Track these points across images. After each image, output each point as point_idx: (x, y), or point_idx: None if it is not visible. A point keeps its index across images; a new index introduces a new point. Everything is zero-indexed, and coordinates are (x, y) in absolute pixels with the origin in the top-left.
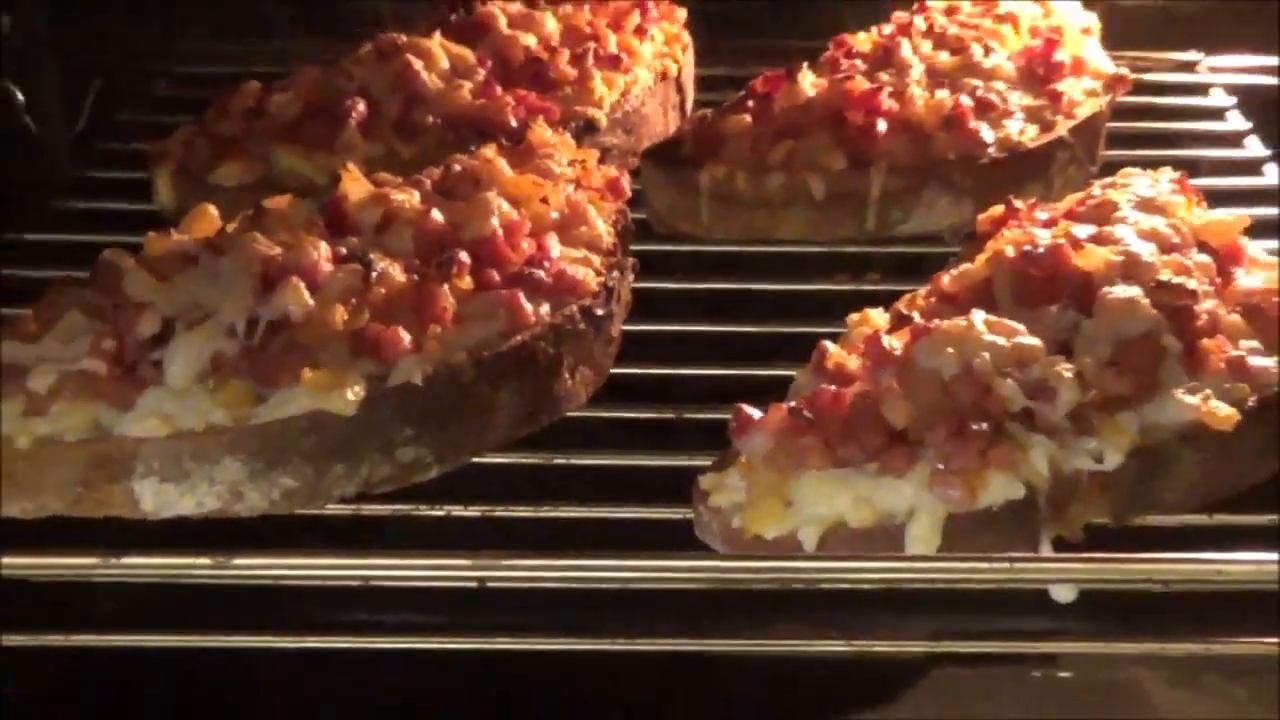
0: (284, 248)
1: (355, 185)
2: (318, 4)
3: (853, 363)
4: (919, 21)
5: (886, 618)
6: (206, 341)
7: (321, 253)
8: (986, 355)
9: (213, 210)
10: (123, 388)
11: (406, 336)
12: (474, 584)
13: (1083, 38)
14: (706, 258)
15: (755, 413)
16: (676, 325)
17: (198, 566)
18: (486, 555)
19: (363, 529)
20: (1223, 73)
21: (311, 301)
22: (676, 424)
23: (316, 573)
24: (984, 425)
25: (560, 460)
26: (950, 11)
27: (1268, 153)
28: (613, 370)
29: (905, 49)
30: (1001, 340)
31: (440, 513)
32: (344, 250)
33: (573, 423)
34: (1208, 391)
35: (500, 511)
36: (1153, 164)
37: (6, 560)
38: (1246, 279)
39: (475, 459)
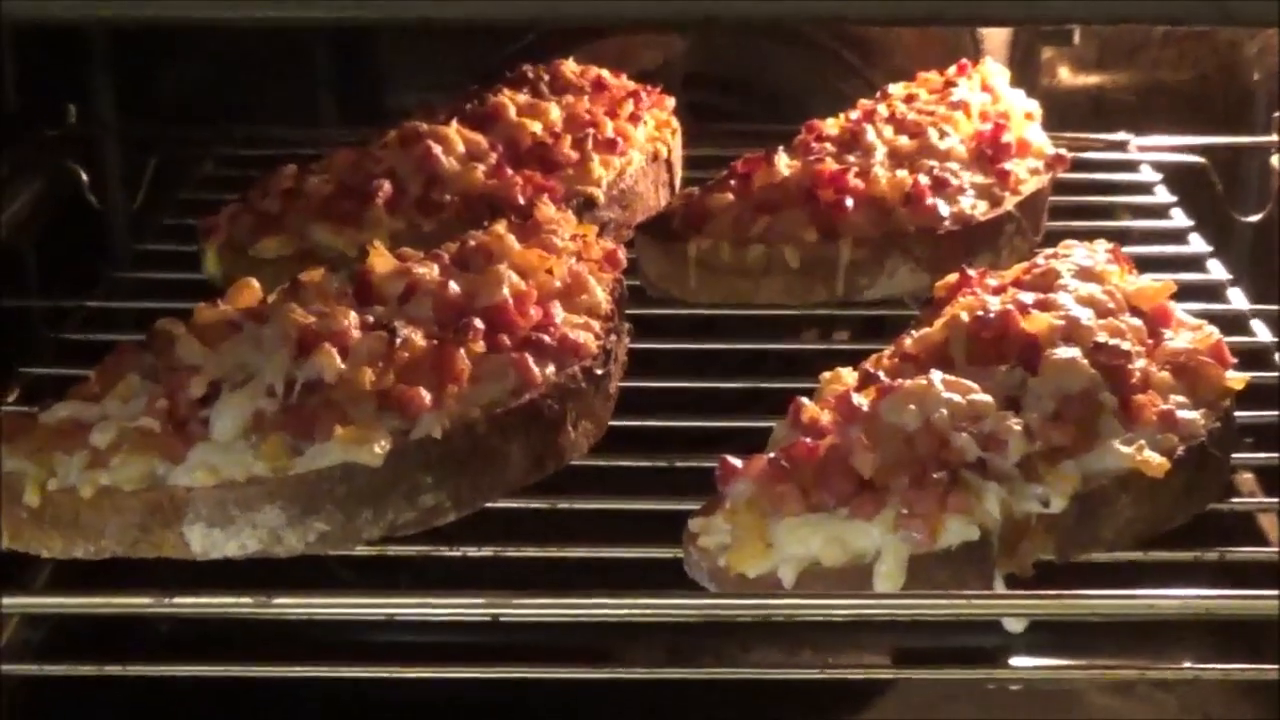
0: (318, 317)
1: (381, 260)
2: (355, 95)
3: (825, 417)
4: (881, 109)
5: (855, 638)
6: (249, 401)
7: (351, 321)
8: (944, 411)
9: (255, 283)
10: (175, 442)
11: (427, 395)
12: (488, 618)
13: (1026, 122)
14: (694, 320)
15: (738, 462)
16: (668, 382)
17: (241, 605)
18: (499, 594)
19: (388, 565)
20: (1150, 151)
21: (342, 365)
22: (669, 471)
23: (347, 611)
24: (943, 474)
25: (564, 505)
26: (909, 99)
27: (1190, 223)
28: (611, 423)
29: (870, 133)
30: (957, 397)
31: (457, 554)
32: (371, 318)
33: (576, 471)
34: (1141, 442)
35: (511, 552)
36: (1090, 234)
37: (74, 600)
38: (1174, 340)
39: (489, 504)
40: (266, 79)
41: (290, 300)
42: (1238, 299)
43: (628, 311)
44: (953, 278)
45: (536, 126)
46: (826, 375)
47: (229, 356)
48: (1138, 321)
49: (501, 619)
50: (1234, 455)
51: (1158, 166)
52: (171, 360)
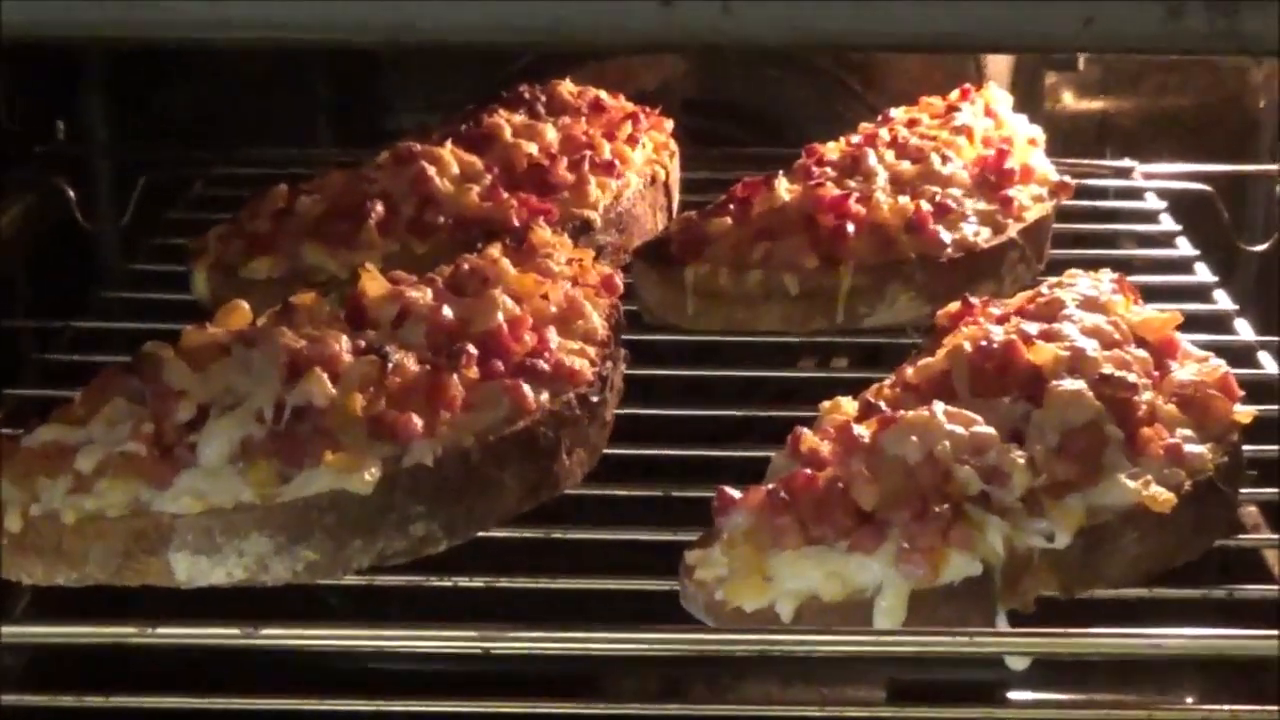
0: (309, 340)
1: (374, 284)
2: (353, 117)
3: (825, 448)
4: (883, 133)
5: (850, 669)
6: (237, 426)
7: (342, 345)
8: (947, 443)
9: (244, 305)
10: (161, 468)
11: (419, 422)
12: (479, 651)
13: (1030, 148)
14: (692, 347)
15: (736, 493)
16: (664, 409)
17: (227, 635)
18: (491, 626)
19: (378, 593)
20: (1154, 179)
21: (333, 390)
22: (664, 501)
23: (336, 642)
24: (945, 507)
25: (558, 534)
26: (911, 124)
27: (1196, 252)
28: (606, 451)
29: (871, 158)
30: (960, 429)
31: (448, 584)
32: (363, 343)
33: (570, 500)
34: (1148, 476)
35: (503, 583)
36: (1094, 263)
37: (55, 629)
38: (1180, 372)
39: (481, 533)
40: (263, 99)
41: (281, 323)
42: (1244, 330)
43: (624, 337)
44: (955, 306)
45: (532, 148)
46: (826, 405)
47: (217, 380)
48: (1143, 353)
49: (493, 651)
50: (1240, 490)
51: (1162, 194)
52: (158, 384)
